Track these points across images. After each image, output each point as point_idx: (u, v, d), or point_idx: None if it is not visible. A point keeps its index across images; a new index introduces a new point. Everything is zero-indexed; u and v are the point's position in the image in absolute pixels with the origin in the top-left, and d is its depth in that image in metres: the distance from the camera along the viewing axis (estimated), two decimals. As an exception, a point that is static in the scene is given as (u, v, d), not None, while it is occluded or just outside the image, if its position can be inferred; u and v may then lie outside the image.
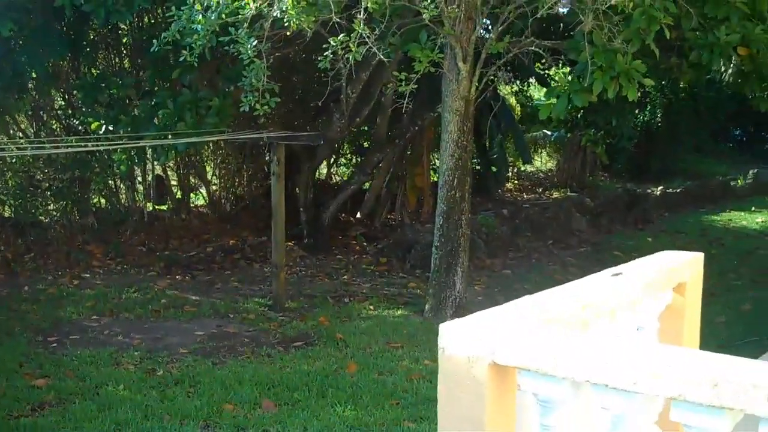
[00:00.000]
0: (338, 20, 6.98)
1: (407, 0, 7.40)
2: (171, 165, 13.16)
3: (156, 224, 12.50)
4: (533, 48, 8.14)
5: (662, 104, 21.22)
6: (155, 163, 12.33)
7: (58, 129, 12.59)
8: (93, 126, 9.61)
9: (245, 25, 7.04)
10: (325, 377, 6.57)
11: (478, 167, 16.20)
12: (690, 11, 7.39)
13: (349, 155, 16.06)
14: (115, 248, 11.33)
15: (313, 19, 7.05)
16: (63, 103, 12.80)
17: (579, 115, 18.00)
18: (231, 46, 7.20)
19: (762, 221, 16.23)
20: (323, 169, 15.13)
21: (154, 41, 7.66)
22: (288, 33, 7.42)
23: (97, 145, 9.58)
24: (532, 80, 17.96)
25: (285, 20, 6.94)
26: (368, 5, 6.76)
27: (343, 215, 13.83)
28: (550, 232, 13.74)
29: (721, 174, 21.68)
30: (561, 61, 10.24)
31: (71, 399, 6.02)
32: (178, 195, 13.54)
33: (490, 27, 9.38)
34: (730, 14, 7.47)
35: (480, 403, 2.11)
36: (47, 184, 12.05)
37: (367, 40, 6.80)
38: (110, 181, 12.67)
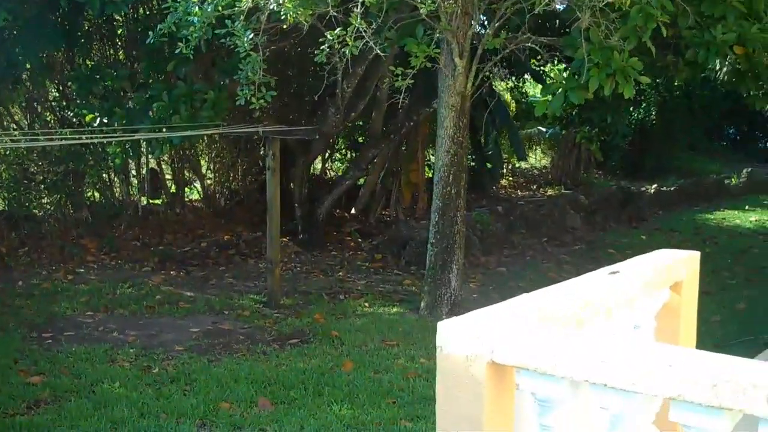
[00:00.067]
0: (335, 14, 6.96)
1: (404, -5, 7.39)
2: (165, 159, 13.11)
3: (150, 218, 12.47)
4: (530, 44, 8.12)
5: (657, 102, 21.25)
6: (150, 156, 12.29)
7: (52, 121, 12.54)
8: (87, 118, 9.57)
9: (242, 17, 7.01)
10: (321, 375, 6.56)
11: (472, 163, 16.20)
12: (687, 9, 7.39)
13: (343, 150, 16.04)
14: (110, 243, 11.30)
15: (310, 12, 7.03)
16: (57, 94, 12.75)
17: (574, 112, 18.04)
18: (227, 39, 7.17)
19: (756, 220, 16.27)
20: (318, 164, 15.11)
21: (150, 33, 7.62)
22: (285, 26, 7.40)
23: (92, 138, 9.54)
24: (527, 77, 17.96)
25: (282, 13, 6.92)
26: None
27: (337, 211, 13.81)
28: (545, 229, 13.75)
29: (715, 172, 21.73)
30: (557, 58, 10.24)
31: (67, 396, 6.00)
32: (173, 189, 13.50)
33: (486, 23, 9.39)
34: (726, 13, 7.47)
35: (478, 402, 2.10)
36: (41, 177, 12.00)
37: (363, 34, 6.78)
38: (104, 175, 12.62)
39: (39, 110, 12.57)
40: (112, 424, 5.51)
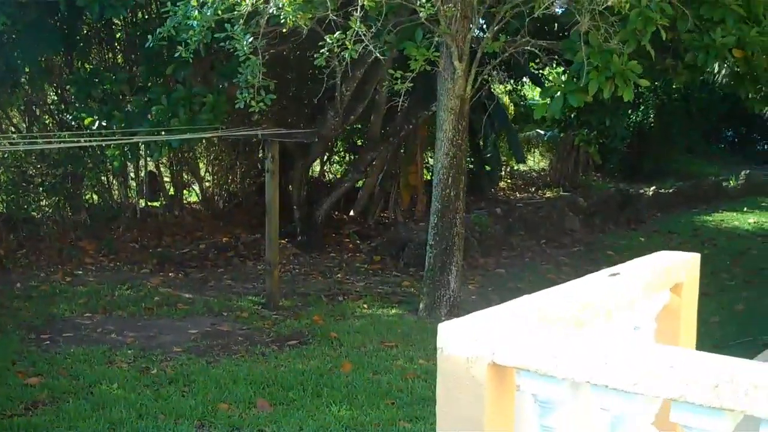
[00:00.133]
0: (334, 17, 6.97)
1: (403, -2, 7.39)
2: (164, 161, 13.12)
3: (149, 221, 12.47)
4: (529, 48, 8.14)
5: (655, 105, 21.29)
6: (148, 159, 12.29)
7: (50, 124, 12.53)
8: (86, 121, 9.56)
9: (241, 21, 7.02)
10: (319, 376, 6.56)
11: (471, 166, 16.21)
12: (686, 13, 7.40)
13: (342, 153, 16.05)
14: (108, 245, 11.30)
15: (309, 16, 7.04)
16: (56, 98, 12.75)
17: (572, 115, 18.03)
18: (226, 43, 7.18)
19: (754, 222, 16.29)
20: (316, 167, 15.11)
21: (149, 37, 7.62)
22: (284, 30, 7.41)
23: (90, 141, 9.54)
24: (525, 80, 17.97)
25: (281, 17, 6.92)
26: (365, 3, 6.75)
27: (336, 213, 13.82)
28: (544, 231, 13.76)
29: (713, 175, 21.77)
30: (555, 61, 10.26)
31: (65, 398, 6.00)
32: (171, 192, 13.50)
33: (485, 26, 9.40)
34: (725, 16, 7.49)
35: (479, 403, 2.11)
36: (40, 180, 11.99)
37: (363, 37, 6.79)
38: (103, 177, 12.63)
39: (38, 113, 12.57)
40: (110, 425, 5.50)
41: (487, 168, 16.95)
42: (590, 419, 2.33)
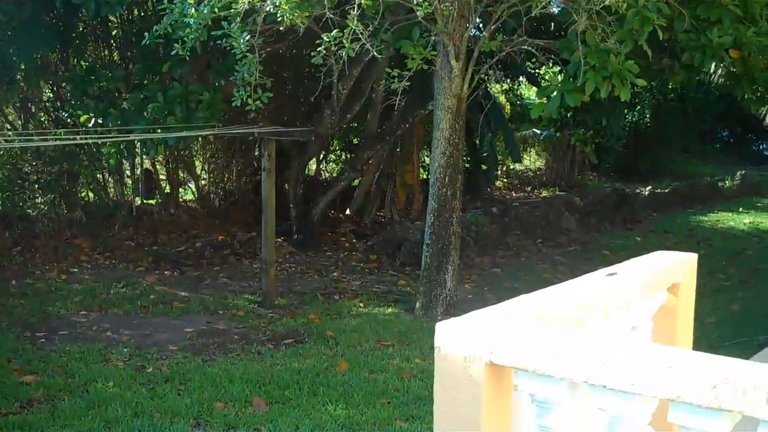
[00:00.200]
0: (331, 16, 6.96)
1: (401, -3, 7.39)
2: (160, 159, 13.09)
3: (144, 219, 12.45)
4: (526, 47, 8.14)
5: (651, 105, 21.32)
6: (144, 157, 12.27)
7: (46, 121, 12.50)
8: (82, 119, 9.54)
9: (238, 19, 7.00)
10: (316, 375, 6.55)
11: (467, 165, 16.21)
12: (683, 13, 7.41)
13: (339, 151, 16.04)
14: (104, 243, 11.27)
15: (306, 14, 7.03)
16: (52, 95, 12.71)
17: (569, 115, 18.05)
18: (223, 41, 7.17)
19: (749, 222, 16.32)
20: (312, 166, 15.10)
21: (146, 34, 7.61)
22: (281, 28, 7.40)
23: (86, 138, 9.52)
24: (522, 79, 17.98)
25: (278, 15, 6.91)
26: (362, 1, 6.74)
27: (332, 212, 13.81)
28: (540, 230, 13.78)
29: (708, 175, 21.82)
30: (552, 60, 10.26)
31: (60, 396, 5.98)
32: (167, 189, 13.47)
33: (482, 25, 9.39)
34: (722, 16, 7.49)
35: (476, 403, 2.10)
36: (35, 177, 11.96)
37: (360, 36, 6.78)
38: (99, 175, 12.60)
39: (33, 110, 12.54)
40: (105, 424, 5.49)
41: (484, 167, 16.95)
42: (588, 419, 2.33)
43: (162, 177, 13.58)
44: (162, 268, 10.54)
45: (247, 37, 7.06)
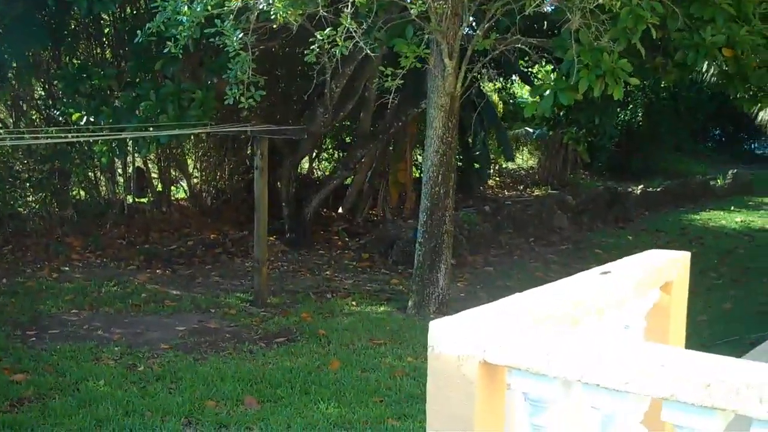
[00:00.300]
0: (325, 14, 6.94)
1: (394, -5, 7.38)
2: (152, 157, 13.05)
3: (136, 217, 12.41)
4: (519, 45, 8.13)
5: (643, 104, 21.38)
6: (136, 155, 12.23)
7: (38, 119, 12.45)
8: (74, 117, 9.51)
9: (231, 17, 6.98)
10: (308, 374, 6.54)
11: (460, 164, 16.22)
12: (676, 11, 7.42)
13: (331, 150, 16.02)
14: (95, 241, 11.23)
15: (300, 12, 7.01)
16: (43, 93, 12.66)
17: (561, 113, 18.09)
18: (216, 39, 7.15)
19: (741, 221, 16.37)
20: (305, 164, 15.08)
21: (138, 32, 7.58)
22: (274, 26, 7.38)
23: (78, 137, 9.48)
24: (514, 78, 18.00)
25: (271, 13, 6.89)
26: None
27: (325, 210, 13.80)
28: (532, 229, 13.79)
29: (700, 173, 21.89)
30: (545, 59, 10.27)
31: (51, 394, 5.95)
32: (159, 188, 13.44)
33: (475, 24, 9.39)
34: (715, 15, 7.50)
35: (469, 402, 2.09)
36: (26, 175, 11.91)
37: (354, 34, 6.77)
38: (90, 173, 12.56)
39: (25, 108, 12.49)
40: (96, 422, 5.46)
41: (477, 166, 16.97)
42: (581, 418, 2.32)
43: (154, 175, 13.55)
44: (153, 266, 10.50)
45: (240, 35, 7.04)
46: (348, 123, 14.28)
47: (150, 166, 13.44)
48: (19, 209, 11.78)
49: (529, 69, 15.90)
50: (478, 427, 2.11)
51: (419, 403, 5.76)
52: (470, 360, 2.08)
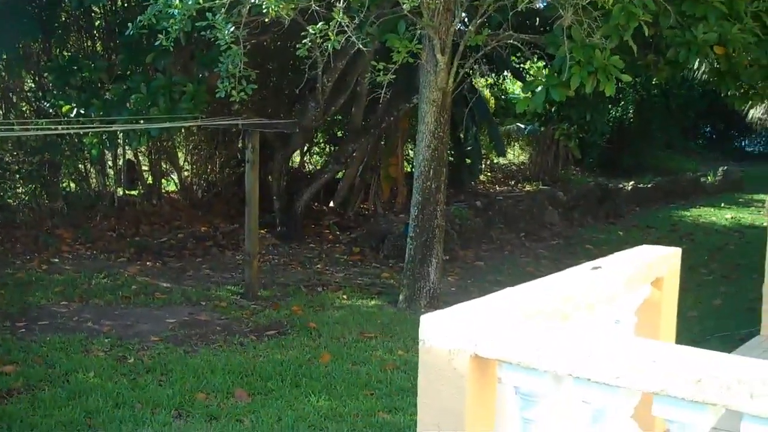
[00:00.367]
0: (317, 8, 6.93)
1: (387, -11, 7.37)
2: (142, 150, 13.00)
3: (127, 209, 12.37)
4: (512, 41, 8.14)
5: (635, 101, 21.43)
6: (127, 147, 12.19)
7: (27, 111, 12.39)
8: (64, 109, 9.46)
9: (223, 10, 6.96)
10: (298, 367, 6.54)
11: (452, 159, 16.22)
12: (668, 9, 7.43)
13: (323, 144, 16.00)
14: (85, 233, 11.19)
15: (292, 6, 6.99)
16: (33, 85, 12.59)
17: (553, 109, 18.13)
18: (208, 32, 7.12)
19: (731, 217, 16.45)
20: (296, 158, 15.06)
21: (129, 25, 7.55)
22: (266, 20, 7.36)
23: (68, 129, 9.44)
24: (506, 73, 18.02)
25: (263, 7, 6.87)
26: (347, -7, 6.73)
27: (316, 204, 13.79)
28: (523, 224, 13.81)
29: (691, 170, 21.98)
30: (537, 55, 10.27)
31: (40, 386, 5.94)
32: (150, 180, 13.40)
33: (467, 19, 9.39)
34: (707, 13, 7.52)
35: (460, 395, 2.10)
36: (16, 167, 11.85)
37: (346, 29, 6.76)
38: (80, 165, 12.51)
39: (15, 100, 12.42)
40: (86, 414, 5.46)
41: (468, 161, 16.99)
42: (571, 412, 2.34)
43: (144, 168, 13.50)
44: (144, 259, 10.47)
45: (232, 29, 7.01)
46: (340, 117, 14.27)
47: (141, 158, 13.39)
48: (8, 201, 11.73)
49: (521, 65, 15.92)
50: (469, 421, 2.12)
51: (410, 396, 5.78)
52: (461, 354, 2.09)
